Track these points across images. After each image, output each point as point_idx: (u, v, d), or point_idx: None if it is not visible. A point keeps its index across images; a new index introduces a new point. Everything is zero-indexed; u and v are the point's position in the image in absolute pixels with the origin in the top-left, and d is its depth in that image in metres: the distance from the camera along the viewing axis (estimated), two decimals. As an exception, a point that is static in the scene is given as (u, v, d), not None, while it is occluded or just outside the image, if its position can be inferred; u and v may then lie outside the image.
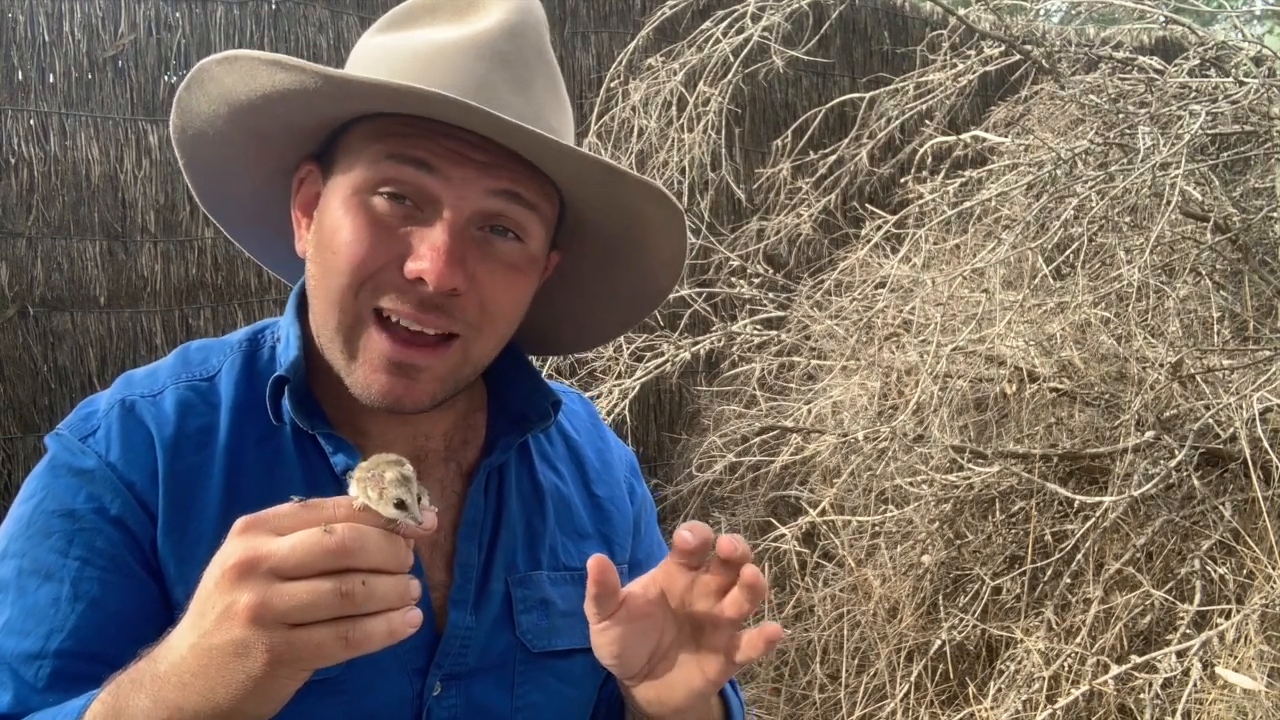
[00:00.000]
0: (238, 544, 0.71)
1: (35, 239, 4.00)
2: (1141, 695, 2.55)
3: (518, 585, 1.04)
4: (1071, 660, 2.73)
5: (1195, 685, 2.49)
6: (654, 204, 0.99)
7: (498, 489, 1.07)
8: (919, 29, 5.41)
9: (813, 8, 3.95)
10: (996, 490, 3.25)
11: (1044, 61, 3.76)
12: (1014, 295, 3.07)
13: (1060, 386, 3.30)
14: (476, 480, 1.04)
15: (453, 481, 1.06)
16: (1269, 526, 2.67)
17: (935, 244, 3.37)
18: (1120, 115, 3.15)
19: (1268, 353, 2.93)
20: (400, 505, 0.73)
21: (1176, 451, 2.78)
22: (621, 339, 3.69)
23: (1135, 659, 2.57)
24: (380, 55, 0.96)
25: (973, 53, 3.85)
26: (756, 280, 4.04)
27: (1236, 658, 2.54)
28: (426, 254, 0.90)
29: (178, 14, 4.19)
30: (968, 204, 3.12)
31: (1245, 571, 2.82)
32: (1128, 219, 3.15)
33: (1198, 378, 2.93)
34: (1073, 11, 5.70)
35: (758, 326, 3.97)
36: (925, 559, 3.22)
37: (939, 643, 3.04)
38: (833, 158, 4.02)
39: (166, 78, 4.21)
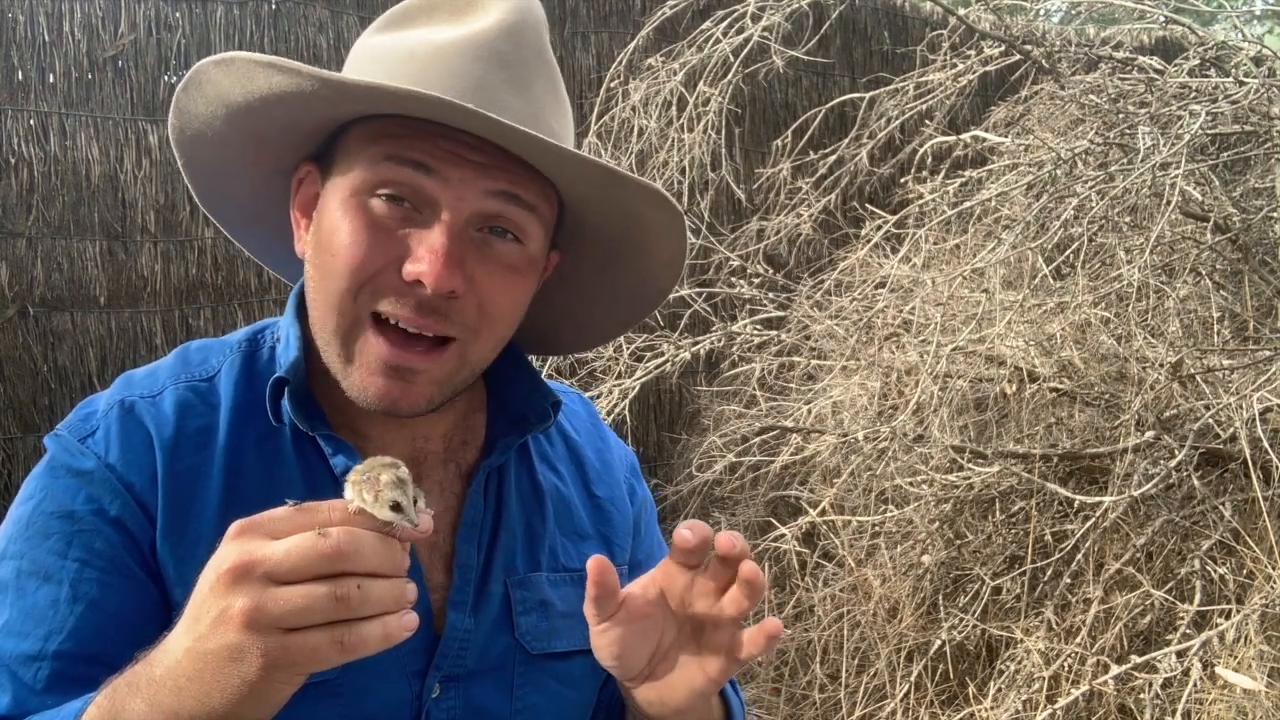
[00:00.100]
0: (232, 548, 0.71)
1: (35, 239, 4.00)
2: (1141, 695, 2.55)
3: (517, 587, 1.04)
4: (1071, 660, 2.73)
5: (1195, 685, 2.49)
6: (654, 206, 0.99)
7: (497, 490, 1.07)
8: (919, 29, 5.41)
9: (813, 8, 3.95)
10: (996, 490, 3.25)
11: (1044, 61, 3.76)
12: (1014, 295, 3.07)
13: (1060, 386, 3.30)
14: (476, 481, 1.04)
15: (452, 483, 1.05)
16: (1269, 526, 2.67)
17: (935, 244, 3.37)
18: (1120, 115, 3.15)
19: (1268, 353, 2.93)
20: (396, 508, 0.73)
21: (1176, 451, 2.78)
22: (621, 339, 3.69)
23: (1135, 659, 2.57)
24: (379, 55, 0.96)
25: (973, 53, 3.85)
26: (756, 280, 4.04)
27: (1236, 658, 2.54)
28: (424, 256, 0.89)
29: (178, 14, 4.19)
30: (968, 204, 3.12)
31: (1245, 571, 2.82)
32: (1128, 219, 3.15)
33: (1198, 378, 2.93)
34: (1073, 11, 5.70)
35: (758, 326, 3.97)
36: (925, 559, 3.21)
37: (939, 643, 3.04)
38: (833, 158, 4.02)
39: (166, 78, 4.21)
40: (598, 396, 3.60)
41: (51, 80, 4.02)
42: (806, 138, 4.11)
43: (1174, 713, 2.47)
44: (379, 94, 0.87)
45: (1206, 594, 2.77)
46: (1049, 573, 3.03)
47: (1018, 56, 3.81)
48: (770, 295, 4.00)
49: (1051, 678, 2.70)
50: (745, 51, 3.74)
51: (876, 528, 3.31)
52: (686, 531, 0.87)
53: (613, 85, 3.90)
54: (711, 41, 3.82)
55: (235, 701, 0.71)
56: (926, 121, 3.87)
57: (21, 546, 0.90)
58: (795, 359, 3.79)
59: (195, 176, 1.05)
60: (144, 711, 0.75)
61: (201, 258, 4.28)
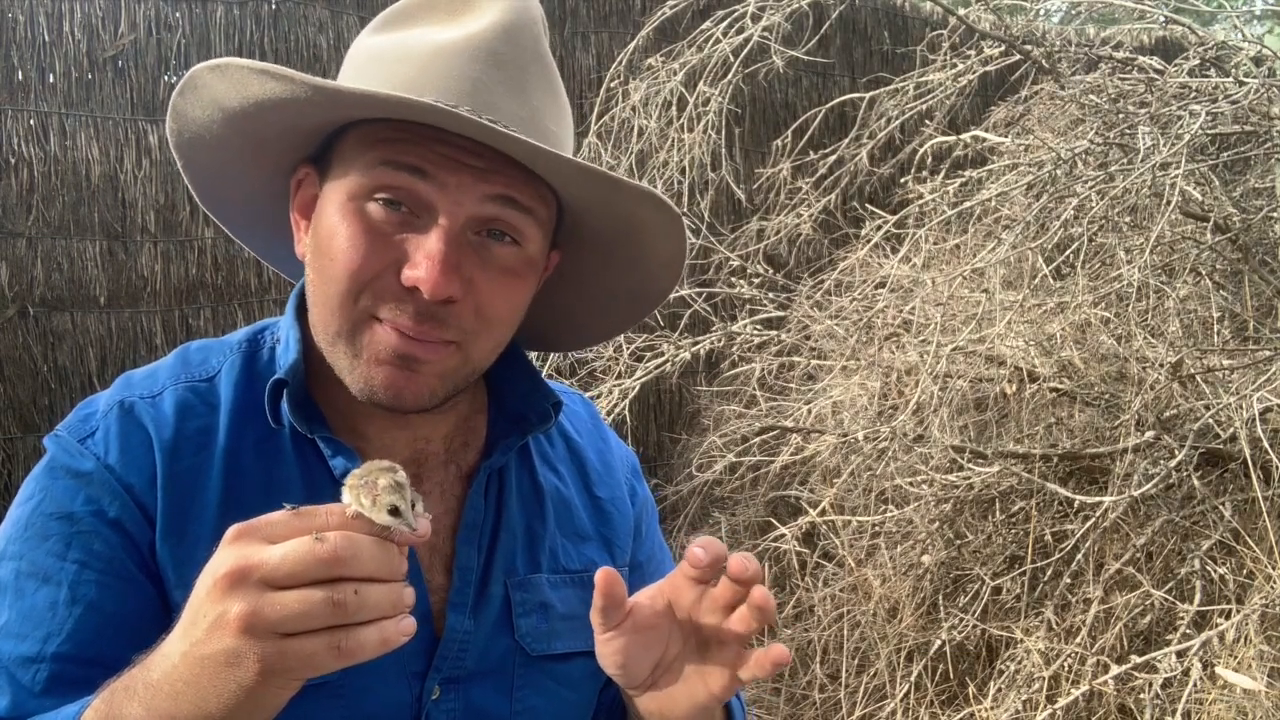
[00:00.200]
0: (229, 553, 0.71)
1: (35, 239, 4.00)
2: (1141, 695, 2.55)
3: (517, 588, 1.03)
4: (1071, 660, 2.73)
5: (1195, 685, 2.49)
6: (651, 208, 0.98)
7: (498, 491, 1.07)
8: (919, 29, 5.41)
9: (813, 8, 3.95)
10: (996, 490, 3.25)
11: (1044, 61, 3.75)
12: (1014, 295, 3.07)
13: (1060, 386, 3.30)
14: (476, 482, 1.04)
15: (452, 484, 1.05)
16: (1269, 526, 2.66)
17: (935, 244, 3.37)
18: (1120, 115, 3.15)
19: (1268, 353, 2.93)
20: (394, 512, 0.73)
21: (1176, 451, 2.78)
22: (621, 339, 3.69)
23: (1135, 659, 2.57)
24: (375, 56, 0.96)
25: (973, 53, 3.84)
26: (756, 280, 4.04)
27: (1236, 658, 2.54)
28: (422, 262, 0.89)
29: (178, 14, 4.19)
30: (968, 204, 3.12)
31: (1245, 571, 2.82)
32: (1128, 219, 3.15)
33: (1198, 378, 2.93)
34: (1073, 11, 5.70)
35: (758, 326, 3.97)
36: (925, 559, 3.21)
37: (939, 643, 3.04)
38: (833, 158, 4.02)
39: (166, 78, 4.21)
40: (598, 396, 3.60)
41: (51, 80, 4.02)
42: (806, 138, 4.11)
43: (1174, 713, 2.47)
44: (370, 101, 0.87)
45: (1206, 594, 2.77)
46: (1049, 573, 3.03)
47: (1018, 56, 3.81)
48: (770, 295, 4.00)
49: (1051, 678, 2.70)
50: (745, 51, 3.74)
51: (876, 528, 3.31)
52: (699, 550, 0.86)
53: (613, 85, 3.90)
54: (711, 41, 3.82)
55: (232, 706, 0.71)
56: (926, 121, 3.87)
57: (20, 548, 0.90)
58: (795, 359, 3.79)
59: (195, 178, 1.05)
60: (140, 716, 0.75)
61: (201, 258, 4.28)
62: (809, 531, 3.37)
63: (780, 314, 3.92)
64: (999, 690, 2.78)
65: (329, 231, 0.93)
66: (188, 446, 0.95)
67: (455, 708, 0.98)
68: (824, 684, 3.25)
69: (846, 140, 4.04)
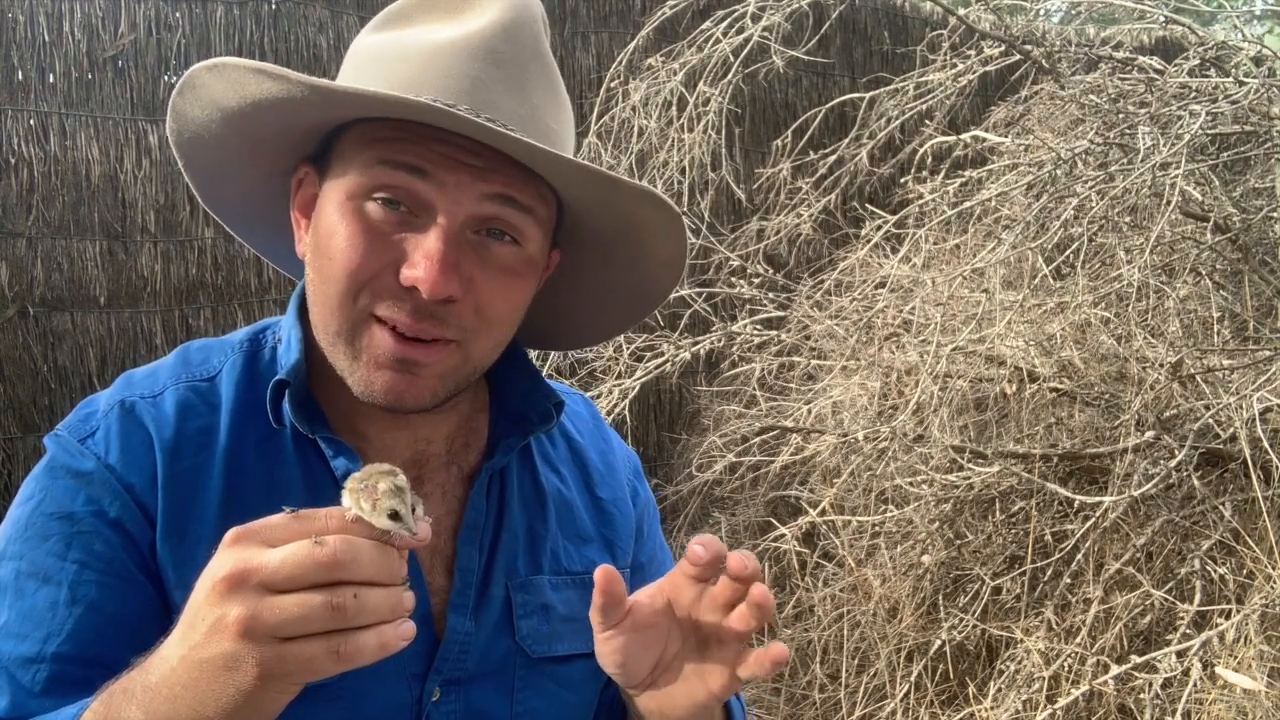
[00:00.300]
0: (228, 556, 0.71)
1: (35, 239, 4.00)
2: (1141, 695, 2.55)
3: (518, 590, 1.03)
4: (1071, 660, 2.73)
5: (1195, 685, 2.48)
6: (650, 208, 0.98)
7: (499, 492, 1.06)
8: (919, 29, 5.41)
9: (813, 8, 3.95)
10: (996, 490, 3.25)
11: (1044, 61, 3.75)
12: (1014, 295, 3.07)
13: (1060, 386, 3.30)
14: (478, 483, 1.04)
15: (454, 485, 1.05)
16: (1269, 526, 2.66)
17: (935, 244, 3.37)
18: (1120, 115, 3.15)
19: (1268, 353, 2.93)
20: (394, 516, 0.73)
21: (1176, 451, 2.78)
22: (621, 339, 3.69)
23: (1135, 659, 2.57)
24: (375, 54, 0.96)
25: (973, 53, 3.84)
26: (756, 280, 4.04)
27: (1236, 658, 2.54)
28: (420, 261, 0.89)
29: (178, 14, 4.19)
30: (968, 204, 3.12)
31: (1245, 571, 2.82)
32: (1128, 219, 3.15)
33: (1198, 378, 2.93)
34: (1073, 11, 5.70)
35: (758, 326, 3.97)
36: (925, 559, 3.21)
37: (939, 643, 3.04)
38: (833, 158, 4.02)
39: (166, 78, 4.21)
40: (598, 396, 3.60)
41: (51, 80, 4.02)
42: (806, 138, 4.11)
43: (1174, 713, 2.47)
44: (366, 100, 0.87)
45: (1206, 594, 2.77)
46: (1049, 573, 3.02)
47: (1018, 56, 3.81)
48: (770, 295, 4.00)
49: (1051, 678, 2.70)
50: (745, 51, 3.74)
51: (876, 528, 3.31)
52: (699, 548, 0.86)
53: (613, 85, 3.90)
54: (711, 41, 3.82)
55: (230, 710, 0.71)
56: (926, 121, 3.87)
57: (21, 548, 0.90)
58: (795, 359, 3.79)
59: (196, 177, 1.05)
60: (139, 718, 0.75)
61: (201, 258, 4.28)
62: (809, 531, 3.37)
63: (780, 314, 3.92)
64: (999, 690, 2.78)
65: (328, 231, 0.93)
66: (189, 446, 0.95)
67: (456, 709, 0.97)
68: (824, 684, 3.25)
69: (846, 140, 4.04)
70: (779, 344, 3.82)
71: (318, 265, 0.95)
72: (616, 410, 3.56)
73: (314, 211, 0.98)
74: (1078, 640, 2.76)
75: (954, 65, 3.87)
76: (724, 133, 3.93)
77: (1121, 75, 3.47)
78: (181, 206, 4.22)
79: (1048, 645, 2.79)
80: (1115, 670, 2.54)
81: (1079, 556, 2.95)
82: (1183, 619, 2.65)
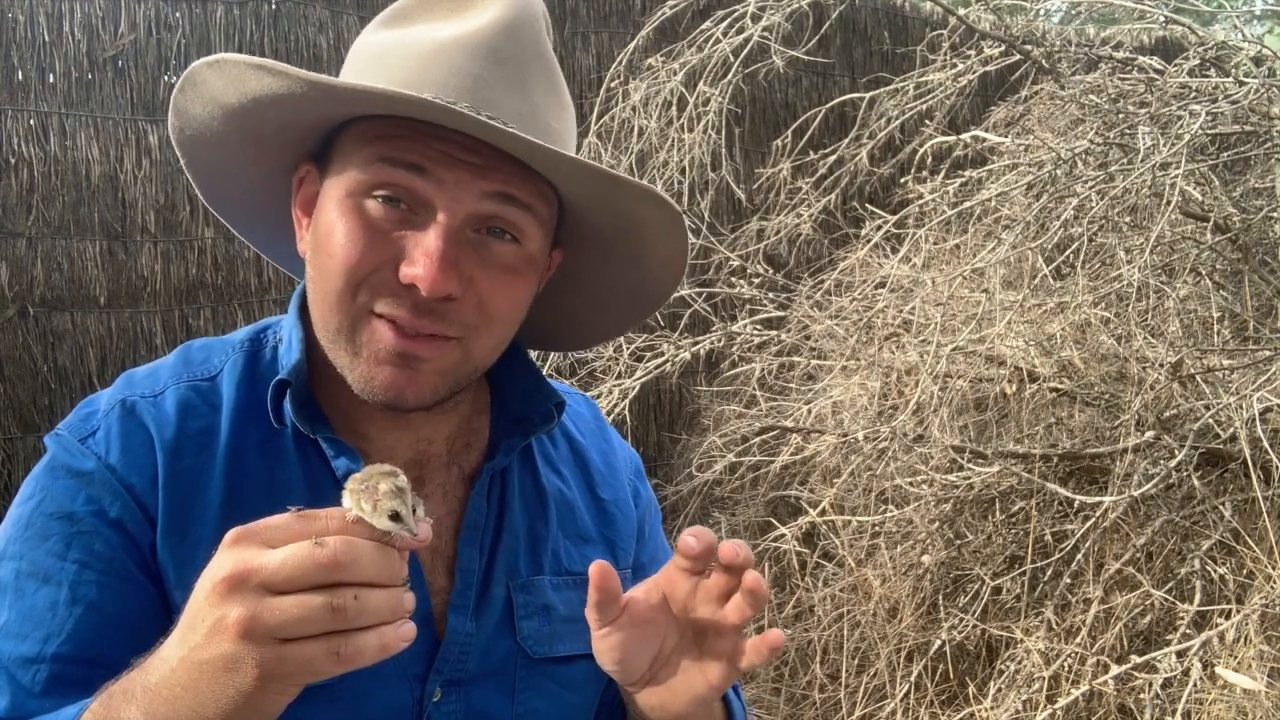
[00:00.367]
0: (228, 557, 0.71)
1: (35, 239, 4.00)
2: (1141, 695, 2.55)
3: (519, 590, 1.03)
4: (1071, 660, 2.73)
5: (1195, 685, 2.49)
6: (650, 206, 0.98)
7: (500, 493, 1.06)
8: (919, 29, 5.41)
9: (813, 8, 3.95)
10: (996, 490, 3.25)
11: (1044, 61, 3.75)
12: (1014, 295, 3.07)
13: (1060, 386, 3.30)
14: (479, 484, 1.04)
15: (455, 486, 1.05)
16: (1269, 526, 2.67)
17: (935, 244, 3.37)
18: (1120, 115, 3.15)
19: (1268, 353, 2.93)
20: (395, 517, 0.72)
21: (1176, 451, 2.78)
22: (621, 339, 3.69)
23: (1135, 659, 2.57)
24: (377, 53, 0.96)
25: (973, 53, 3.84)
26: (756, 280, 4.04)
27: (1236, 658, 2.54)
28: (420, 259, 0.89)
29: (178, 14, 4.19)
30: (968, 204, 3.12)
31: (1245, 571, 2.82)
32: (1128, 219, 3.15)
33: (1198, 378, 2.93)
34: (1073, 11, 5.70)
35: (758, 326, 3.97)
36: (925, 559, 3.21)
37: (939, 643, 3.04)
38: (833, 158, 4.02)
39: (166, 78, 4.21)
40: (598, 396, 3.60)
41: (51, 80, 4.02)
42: (806, 138, 4.11)
43: (1174, 713, 2.47)
44: (366, 96, 0.87)
45: (1206, 594, 2.77)
46: (1049, 573, 3.03)
47: (1018, 56, 3.81)
48: (770, 295, 4.00)
49: (1051, 678, 2.70)
50: (745, 51, 3.74)
51: (876, 528, 3.31)
52: (691, 539, 0.86)
53: (613, 85, 3.90)
54: (711, 41, 3.82)
55: (230, 711, 0.71)
56: (926, 121, 3.87)
57: (21, 548, 0.90)
58: (795, 359, 3.79)
59: (198, 175, 1.05)
60: (138, 719, 0.75)
61: (201, 258, 4.28)
62: (809, 531, 3.37)
63: (780, 314, 3.92)
64: (999, 690, 2.78)
65: (327, 227, 0.93)
66: (190, 446, 0.94)
67: (457, 710, 0.97)
68: (824, 684, 3.25)
69: (846, 140, 4.04)
70: (779, 344, 3.82)
71: (317, 262, 0.95)
72: (616, 410, 3.56)
73: (315, 209, 0.98)
74: (1078, 640, 2.76)
75: (954, 65, 3.87)
76: (724, 133, 3.93)
77: (1121, 75, 3.47)
78: (181, 206, 4.22)
79: (1048, 645, 2.79)
80: (1115, 670, 2.54)
81: (1079, 556, 2.95)
82: (1183, 619, 2.65)
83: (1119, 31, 5.41)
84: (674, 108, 3.86)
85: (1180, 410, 2.96)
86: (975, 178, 3.31)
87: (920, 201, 3.32)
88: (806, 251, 4.16)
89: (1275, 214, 3.36)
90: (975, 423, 3.42)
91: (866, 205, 3.72)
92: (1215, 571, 2.84)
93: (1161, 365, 2.91)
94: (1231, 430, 2.76)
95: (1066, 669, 2.73)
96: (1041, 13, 5.03)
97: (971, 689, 2.87)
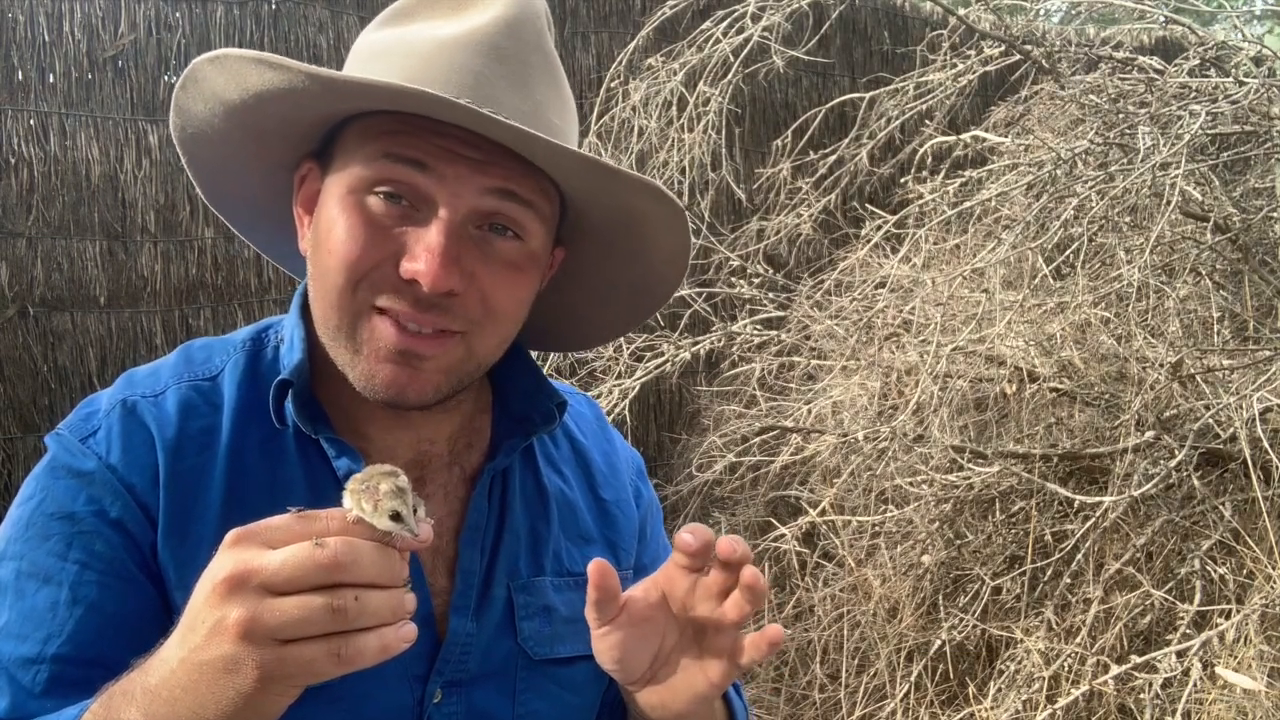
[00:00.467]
0: (228, 557, 0.70)
1: (35, 239, 4.00)
2: (1141, 695, 2.55)
3: (520, 591, 1.03)
4: (1071, 660, 2.73)
5: (1195, 685, 2.49)
6: (652, 200, 0.98)
7: (501, 493, 1.06)
8: (919, 29, 5.41)
9: (813, 8, 3.95)
10: (996, 490, 3.25)
11: (1044, 61, 3.76)
12: (1014, 295, 3.07)
13: (1060, 386, 3.30)
14: (480, 484, 1.03)
15: (456, 486, 1.05)
16: (1269, 526, 2.67)
17: (935, 244, 3.37)
18: (1120, 115, 3.15)
19: (1268, 353, 2.93)
20: (395, 518, 0.72)
21: (1176, 451, 2.78)
22: (621, 339, 3.69)
23: (1135, 659, 2.57)
24: (378, 51, 0.96)
25: (973, 53, 3.84)
26: (756, 280, 4.04)
27: (1236, 658, 2.54)
28: (421, 255, 0.89)
29: (178, 14, 4.19)
30: (968, 204, 3.12)
31: (1245, 571, 2.82)
32: (1128, 219, 3.15)
33: (1198, 378, 2.93)
34: (1073, 11, 5.70)
35: (758, 326, 3.97)
36: (925, 559, 3.21)
37: (939, 643, 3.04)
38: (833, 158, 4.02)
39: (166, 78, 4.21)
40: (598, 396, 3.60)
41: (51, 80, 4.02)
42: (806, 138, 4.11)
43: (1174, 713, 2.47)
44: (368, 90, 0.87)
45: (1206, 594, 2.77)
46: (1049, 573, 3.03)
47: (1018, 56, 3.81)
48: (770, 295, 4.00)
49: (1051, 678, 2.70)
50: (745, 51, 3.74)
51: (876, 528, 3.31)
52: (688, 536, 0.86)
53: (613, 85, 3.90)
54: (711, 41, 3.82)
55: (230, 712, 0.71)
56: (926, 121, 3.87)
57: (21, 548, 0.90)
58: (795, 359, 3.79)
59: (199, 174, 1.05)
60: None
61: (201, 258, 4.28)
62: (809, 531, 3.37)
63: (780, 314, 3.92)
64: (999, 690, 2.79)
65: (328, 224, 0.93)
66: (191, 446, 0.94)
67: (457, 711, 0.97)
68: (824, 684, 3.25)
69: (846, 140, 4.04)
70: (779, 344, 3.82)
71: (318, 259, 0.95)
72: (617, 410, 3.56)
73: (316, 207, 0.98)
74: (1078, 640, 2.76)
75: (954, 65, 3.87)
76: (724, 133, 3.93)
77: (1121, 75, 3.47)
78: (181, 206, 4.22)
79: (1048, 645, 2.79)
80: (1115, 670, 2.54)
81: (1079, 556, 2.95)
82: (1183, 619, 2.65)
83: (1119, 31, 5.41)
84: (674, 108, 3.86)
85: (1180, 410, 2.96)
86: (975, 178, 3.31)
87: (920, 201, 3.32)
88: (806, 251, 4.16)
89: (1275, 214, 3.36)
90: (975, 423, 3.42)
91: (866, 205, 3.73)
92: (1215, 571, 2.84)
93: (1161, 365, 2.91)
94: (1231, 430, 2.76)
95: (1066, 669, 2.73)
96: (1041, 13, 5.03)
97: (971, 689, 2.87)
